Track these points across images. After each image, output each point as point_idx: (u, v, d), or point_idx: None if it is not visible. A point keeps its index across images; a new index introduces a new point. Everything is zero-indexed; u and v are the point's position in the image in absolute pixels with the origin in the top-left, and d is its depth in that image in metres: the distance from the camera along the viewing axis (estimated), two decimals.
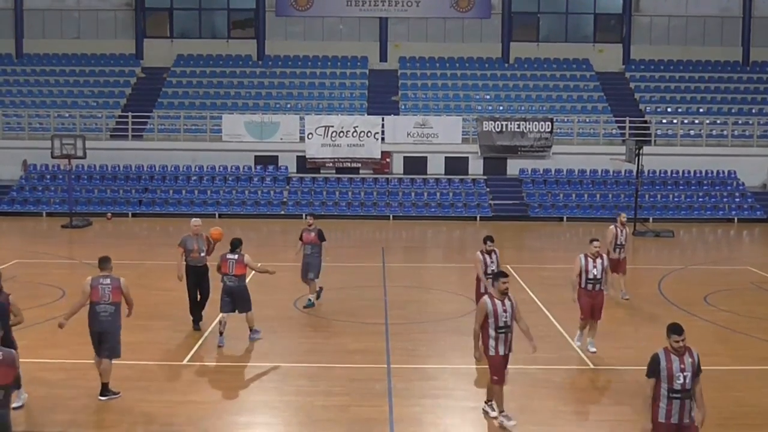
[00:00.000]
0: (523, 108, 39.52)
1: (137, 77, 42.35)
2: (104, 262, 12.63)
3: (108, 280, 12.52)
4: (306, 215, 21.21)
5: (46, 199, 34.82)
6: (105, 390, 12.62)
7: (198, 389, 13.15)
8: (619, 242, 19.88)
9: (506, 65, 42.77)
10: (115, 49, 43.33)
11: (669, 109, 39.98)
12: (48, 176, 36.45)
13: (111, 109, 39.46)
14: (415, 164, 36.86)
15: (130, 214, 34.33)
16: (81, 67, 42.46)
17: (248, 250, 22.01)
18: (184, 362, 14.52)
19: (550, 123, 36.76)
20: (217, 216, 33.98)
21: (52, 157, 32.41)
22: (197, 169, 36.64)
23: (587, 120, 38.95)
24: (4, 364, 8.72)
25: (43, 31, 43.47)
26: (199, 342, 15.65)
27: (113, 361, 12.71)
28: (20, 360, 14.35)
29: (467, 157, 37.00)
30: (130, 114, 38.07)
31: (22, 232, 28.77)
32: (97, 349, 12.70)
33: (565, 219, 34.56)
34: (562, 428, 11.82)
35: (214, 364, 14.44)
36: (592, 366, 14.49)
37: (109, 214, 33.12)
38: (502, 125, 36.69)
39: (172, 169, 36.65)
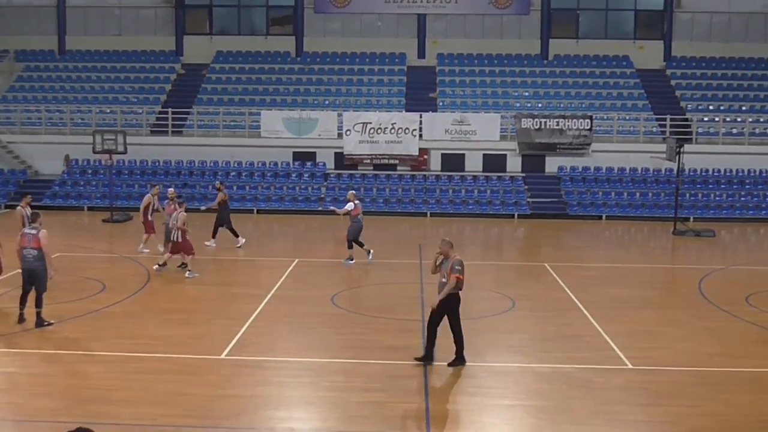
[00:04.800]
0: (562, 105, 39.27)
1: (177, 73, 42.68)
2: None
3: None
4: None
5: (87, 193, 35.21)
6: None
7: (235, 383, 13.23)
8: None
9: (545, 62, 42.51)
10: (155, 46, 43.69)
11: (711, 107, 39.49)
12: (89, 171, 36.88)
13: (151, 105, 39.82)
14: (453, 161, 36.78)
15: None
16: (122, 63, 42.88)
17: (284, 246, 22.30)
18: (222, 356, 14.61)
19: (589, 120, 36.48)
20: (255, 212, 34.15)
21: (94, 152, 32.78)
22: (236, 165, 36.86)
23: (627, 117, 38.59)
24: None
25: (85, 28, 43.95)
26: (237, 336, 15.73)
27: None
28: (64, 352, 14.67)
29: (505, 155, 36.84)
30: (170, 110, 38.40)
31: (64, 226, 29.09)
32: None
33: (604, 217, 34.28)
34: (599, 428, 11.73)
35: (252, 358, 14.51)
36: (630, 366, 14.37)
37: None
38: (540, 122, 36.48)
39: (211, 164, 36.91)
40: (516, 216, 34.26)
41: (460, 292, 14.01)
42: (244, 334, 15.97)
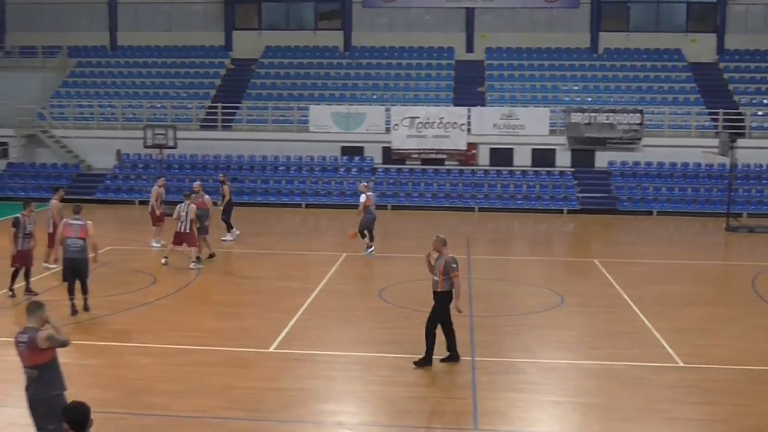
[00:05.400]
0: (612, 99, 38.83)
1: (226, 69, 43.01)
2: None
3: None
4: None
5: (138, 187, 35.63)
6: None
7: (284, 376, 13.31)
8: None
9: (595, 55, 42.07)
10: (205, 41, 44.07)
11: (765, 101, 38.77)
12: (140, 165, 37.34)
13: (201, 100, 40.18)
14: (501, 156, 36.59)
15: (218, 203, 34.82)
16: (172, 58, 43.33)
17: (332, 240, 22.40)
18: (271, 349, 14.71)
19: (640, 114, 36.05)
20: (303, 206, 34.30)
21: (145, 146, 33.18)
22: (284, 160, 37.07)
23: (678, 112, 38.06)
24: (31, 346, 9.09)
25: (137, 23, 44.47)
26: (286, 329, 15.83)
27: None
28: (115, 343, 14.88)
29: (554, 149, 36.56)
30: (219, 105, 38.72)
31: (116, 220, 29.50)
32: None
33: (655, 213, 33.87)
34: (649, 426, 11.60)
35: (300, 351, 14.58)
36: (681, 364, 14.19)
37: None
38: (590, 117, 36.13)
39: (260, 159, 37.16)
40: (565, 211, 33.99)
41: (453, 290, 13.77)
42: (293, 328, 16.07)
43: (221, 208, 25.70)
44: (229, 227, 25.92)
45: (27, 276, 18.31)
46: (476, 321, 16.59)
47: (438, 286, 13.70)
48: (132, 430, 10.97)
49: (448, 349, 13.97)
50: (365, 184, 25.09)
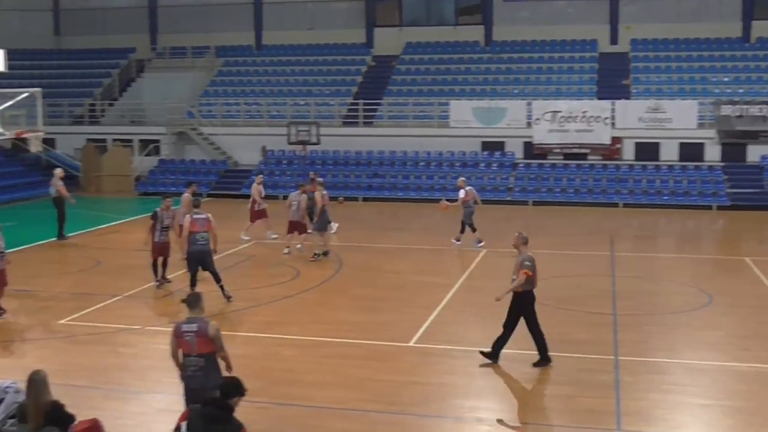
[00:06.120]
0: (765, 90, 37.11)
1: (368, 65, 43.49)
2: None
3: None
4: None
5: (283, 183, 36.40)
6: None
7: (423, 371, 13.36)
8: None
9: (747, 45, 40.32)
10: (346, 39, 44.69)
11: None
12: (284, 161, 38.22)
13: (343, 97, 40.77)
14: (647, 150, 35.58)
15: (360, 199, 35.36)
16: (315, 56, 44.15)
17: (472, 235, 22.38)
18: (410, 344, 14.79)
19: None
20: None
21: (289, 143, 33.96)
22: (425, 155, 37.19)
23: None
24: (200, 334, 9.44)
25: (281, 23, 45.53)
26: (425, 324, 15.88)
27: None
28: (259, 335, 15.29)
29: (703, 143, 35.27)
30: (361, 101, 39.20)
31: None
32: None
33: None
34: None
35: (440, 346, 14.61)
36: None
37: (341, 198, 34.19)
38: (742, 109, 34.67)
39: (401, 154, 37.41)
40: (714, 207, 32.72)
41: (534, 289, 13.44)
42: (432, 323, 16.11)
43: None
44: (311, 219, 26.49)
45: (164, 266, 19.26)
46: (620, 320, 16.22)
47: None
48: (275, 420, 11.23)
49: (493, 346, 13.68)
50: (463, 179, 25.27)
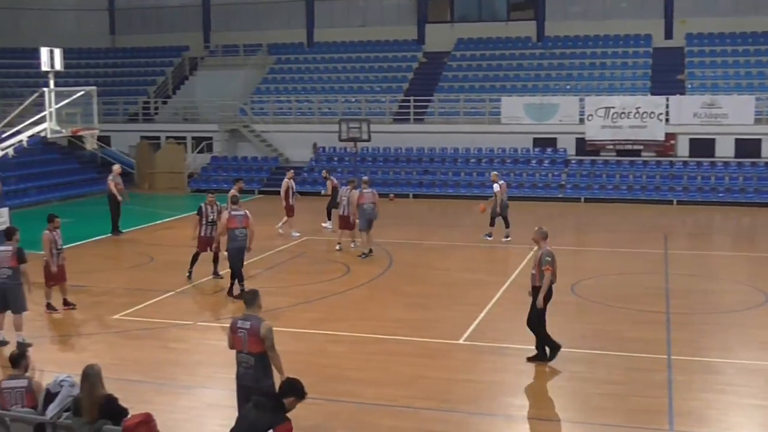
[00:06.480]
0: None
1: (419, 62, 43.42)
2: None
3: None
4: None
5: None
6: None
7: (473, 369, 13.32)
8: None
9: None
10: (398, 36, 44.66)
11: None
12: (335, 158, 38.33)
13: (394, 94, 40.76)
14: (702, 146, 35.00)
15: (411, 195, 35.34)
16: (366, 53, 44.21)
17: (524, 232, 22.24)
18: (461, 341, 14.75)
19: None
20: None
21: (340, 140, 34.02)
22: (475, 152, 37.04)
23: None
24: (252, 333, 9.48)
25: (332, 20, 45.66)
26: (476, 322, 15.82)
27: None
28: (309, 331, 15.35)
29: (760, 139, 34.58)
30: (411, 98, 39.15)
31: (311, 211, 30.25)
32: None
33: None
34: None
35: (490, 344, 14.54)
36: None
37: (392, 195, 34.20)
38: None
39: (452, 151, 37.30)
40: None
41: (553, 285, 13.31)
42: (483, 320, 16.05)
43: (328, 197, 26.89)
44: (330, 216, 26.73)
45: (215, 261, 19.52)
46: (673, 318, 16.00)
47: (536, 280, 13.42)
48: (324, 416, 11.27)
49: (537, 348, 13.60)
50: (496, 173, 25.71)
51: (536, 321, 13.48)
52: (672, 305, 16.93)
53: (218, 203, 19.76)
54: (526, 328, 13.76)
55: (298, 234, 25.26)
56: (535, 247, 13.77)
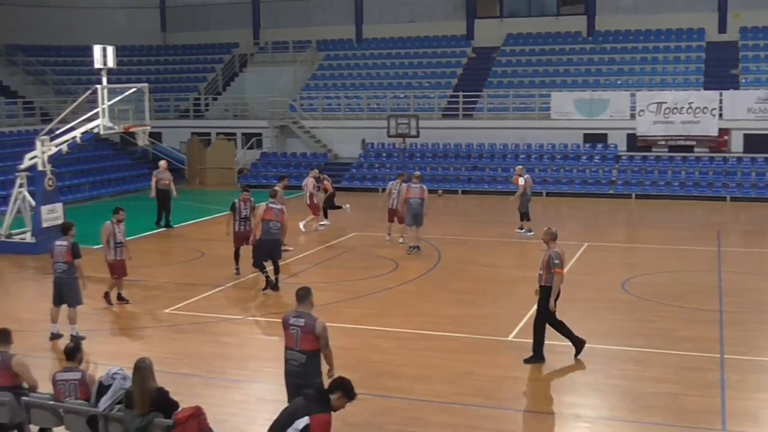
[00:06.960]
0: None
1: (468, 57, 43.24)
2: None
3: None
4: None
5: (382, 175, 36.53)
6: None
7: (522, 366, 13.22)
8: None
9: None
10: (447, 31, 44.53)
11: None
12: (384, 154, 38.36)
13: (443, 90, 40.65)
14: (757, 142, 34.37)
15: (459, 191, 35.24)
16: (415, 49, 44.15)
17: (573, 229, 22.04)
18: (509, 338, 14.68)
19: None
20: (544, 194, 33.84)
21: (388, 136, 34.06)
22: (525, 148, 36.80)
23: None
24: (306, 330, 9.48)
25: (381, 16, 45.68)
26: (524, 319, 15.72)
27: None
28: (359, 326, 15.38)
29: None
30: (460, 93, 39.00)
31: (360, 207, 30.37)
32: None
33: None
34: None
35: None
36: None
37: (440, 191, 34.13)
38: None
39: (501, 147, 37.11)
40: None
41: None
42: (531, 317, 15.89)
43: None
44: (326, 215, 26.90)
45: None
46: (726, 317, 15.75)
47: (542, 280, 13.24)
48: (374, 412, 11.28)
49: (574, 344, 13.44)
50: (521, 167, 25.79)
51: (541, 321, 13.34)
52: (725, 303, 16.67)
53: (252, 200, 19.92)
54: (575, 326, 13.64)
55: (323, 225, 26.00)
56: (545, 247, 13.57)
